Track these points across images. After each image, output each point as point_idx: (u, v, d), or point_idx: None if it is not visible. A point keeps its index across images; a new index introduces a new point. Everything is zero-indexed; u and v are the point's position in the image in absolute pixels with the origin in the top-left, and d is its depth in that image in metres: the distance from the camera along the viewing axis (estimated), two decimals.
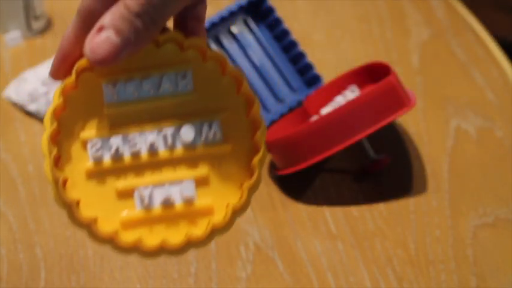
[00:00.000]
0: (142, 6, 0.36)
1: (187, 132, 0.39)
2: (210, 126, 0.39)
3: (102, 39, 0.36)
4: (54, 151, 0.38)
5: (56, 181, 0.38)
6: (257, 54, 0.77)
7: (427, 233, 0.67)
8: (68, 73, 0.39)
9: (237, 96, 0.40)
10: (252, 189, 0.39)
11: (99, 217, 0.38)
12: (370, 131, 0.67)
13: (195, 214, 0.39)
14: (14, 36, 0.86)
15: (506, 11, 1.20)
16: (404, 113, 0.68)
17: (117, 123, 0.39)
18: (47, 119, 0.38)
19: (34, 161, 0.73)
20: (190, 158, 0.39)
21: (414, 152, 0.75)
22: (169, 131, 0.39)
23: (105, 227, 0.38)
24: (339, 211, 0.69)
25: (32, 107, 0.77)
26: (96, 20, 0.37)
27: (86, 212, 0.38)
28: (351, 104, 0.67)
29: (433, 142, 0.76)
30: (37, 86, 0.78)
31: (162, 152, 0.39)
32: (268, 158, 0.74)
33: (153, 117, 0.39)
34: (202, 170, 0.39)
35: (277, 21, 0.78)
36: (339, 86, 0.77)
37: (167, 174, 0.39)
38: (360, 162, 0.73)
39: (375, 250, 0.66)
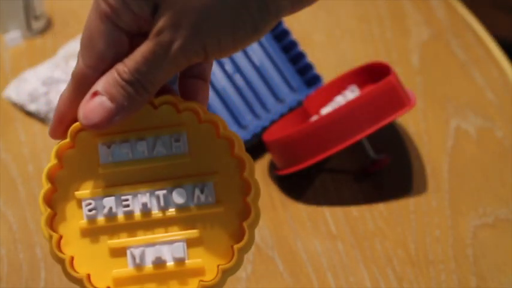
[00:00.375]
0: (131, 75, 0.37)
1: (180, 195, 0.40)
2: (202, 189, 0.40)
3: (95, 104, 0.37)
4: (49, 210, 0.40)
5: (50, 238, 0.39)
6: (257, 54, 0.77)
7: (427, 233, 0.67)
8: (65, 133, 0.40)
9: (230, 158, 0.41)
10: (243, 250, 0.40)
11: (92, 274, 0.40)
12: (370, 131, 0.67)
13: (186, 274, 0.40)
14: (14, 36, 0.86)
15: (506, 11, 1.20)
16: (404, 113, 0.68)
17: (111, 183, 0.40)
18: (44, 178, 0.40)
19: (34, 161, 0.73)
20: (182, 218, 0.40)
21: (414, 152, 0.75)
22: (162, 192, 0.40)
23: (98, 283, 0.39)
24: (339, 211, 0.69)
25: (32, 107, 0.77)
26: (89, 84, 0.38)
27: (79, 268, 0.39)
28: (351, 104, 0.67)
29: (433, 142, 0.76)
30: (37, 86, 0.78)
31: (155, 212, 0.40)
32: (268, 158, 0.74)
33: (147, 178, 0.40)
34: (194, 231, 0.40)
35: None
36: (339, 86, 0.77)
37: (159, 234, 0.40)
38: (360, 162, 0.73)
39: (375, 250, 0.66)
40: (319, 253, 0.65)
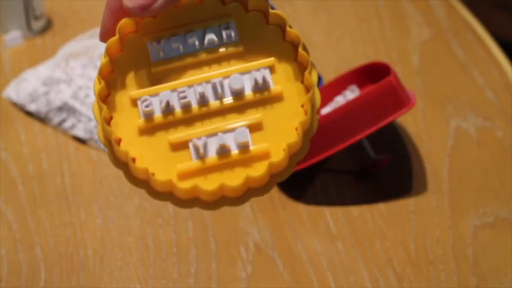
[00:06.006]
0: None
1: (237, 80, 0.39)
2: (259, 75, 0.39)
3: None
4: (106, 113, 0.38)
5: (109, 142, 0.38)
6: None
7: (427, 233, 0.67)
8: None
9: (283, 43, 0.40)
10: (308, 133, 0.39)
11: (155, 172, 0.38)
12: (370, 131, 0.67)
13: (252, 159, 0.38)
14: (14, 36, 0.86)
15: (506, 11, 1.20)
16: (404, 113, 0.68)
17: (165, 80, 0.39)
18: (96, 80, 0.39)
19: (34, 161, 0.73)
20: (241, 105, 0.39)
21: (414, 152, 0.75)
22: (218, 80, 0.39)
23: (164, 179, 0.38)
24: (339, 211, 0.69)
25: (32, 107, 0.77)
26: None
27: (142, 168, 0.38)
28: (351, 104, 0.67)
29: (433, 142, 0.76)
30: (37, 86, 0.78)
31: (213, 102, 0.39)
32: None
33: (200, 70, 0.39)
34: (255, 115, 0.39)
35: None
36: (339, 86, 0.77)
37: (219, 123, 0.39)
38: (360, 162, 0.73)
39: (375, 250, 0.66)
40: (319, 253, 0.65)
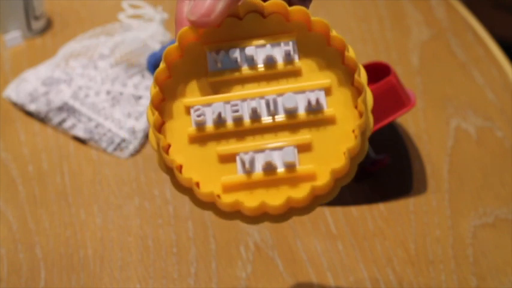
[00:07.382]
0: None
1: (290, 99, 0.39)
2: (313, 94, 0.39)
3: (198, 0, 0.38)
4: (158, 118, 0.39)
5: (159, 147, 0.38)
6: None
7: (427, 233, 0.67)
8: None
9: (342, 66, 0.40)
10: (356, 159, 0.38)
11: (200, 181, 0.38)
12: None
13: (296, 179, 0.38)
14: (14, 36, 0.86)
15: (506, 10, 1.20)
16: (404, 113, 0.68)
17: (220, 90, 0.39)
18: (153, 83, 0.39)
19: (34, 161, 0.73)
20: (292, 124, 0.39)
21: (414, 152, 0.75)
22: (272, 97, 0.39)
23: (207, 191, 0.38)
24: (339, 211, 0.69)
25: (32, 107, 0.77)
26: None
27: (187, 176, 0.38)
28: None
29: (433, 142, 0.76)
30: (37, 86, 0.78)
31: (264, 118, 0.39)
32: None
33: (256, 85, 0.40)
34: (305, 136, 0.39)
35: None
36: None
37: (269, 140, 0.39)
38: (360, 162, 0.72)
39: (375, 250, 0.66)
40: (319, 253, 0.65)
